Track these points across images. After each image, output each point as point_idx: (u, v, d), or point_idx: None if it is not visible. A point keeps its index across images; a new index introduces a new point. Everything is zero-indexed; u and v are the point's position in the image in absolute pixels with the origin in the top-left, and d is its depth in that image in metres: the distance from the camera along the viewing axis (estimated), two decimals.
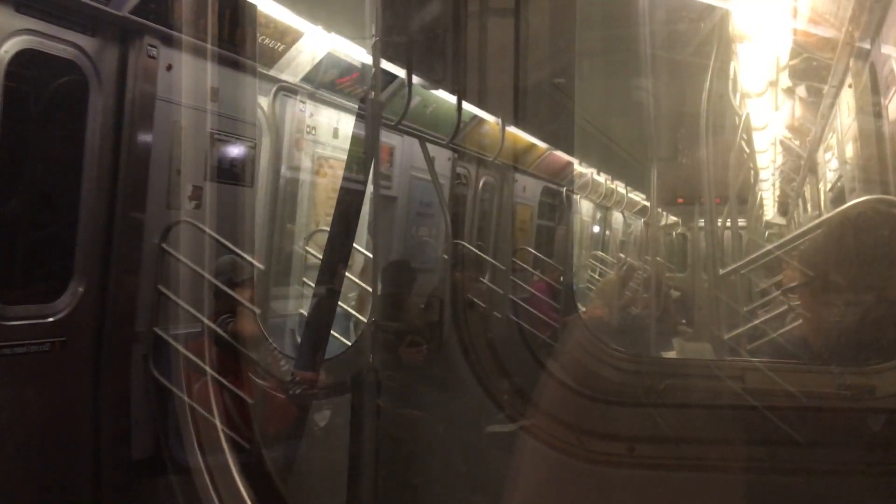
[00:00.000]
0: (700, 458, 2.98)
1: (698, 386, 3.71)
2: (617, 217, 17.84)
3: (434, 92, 7.70)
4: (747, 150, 9.73)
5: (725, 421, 3.08)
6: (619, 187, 16.34)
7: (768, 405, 3.15)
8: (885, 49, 5.30)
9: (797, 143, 10.45)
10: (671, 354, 7.57)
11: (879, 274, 3.20)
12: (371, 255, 7.29)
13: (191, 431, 5.40)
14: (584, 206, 15.78)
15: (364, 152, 7.31)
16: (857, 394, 3.06)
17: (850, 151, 6.83)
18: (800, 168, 10.84)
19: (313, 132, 8.37)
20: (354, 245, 8.07)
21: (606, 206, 16.67)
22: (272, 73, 7.49)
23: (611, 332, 9.93)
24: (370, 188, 5.90)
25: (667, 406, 3.28)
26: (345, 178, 7.83)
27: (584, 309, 12.28)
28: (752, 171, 11.28)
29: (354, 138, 8.01)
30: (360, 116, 7.67)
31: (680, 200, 14.45)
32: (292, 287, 8.33)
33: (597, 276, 15.02)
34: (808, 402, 3.12)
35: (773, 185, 12.96)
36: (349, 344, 7.70)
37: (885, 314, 3.13)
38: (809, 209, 10.31)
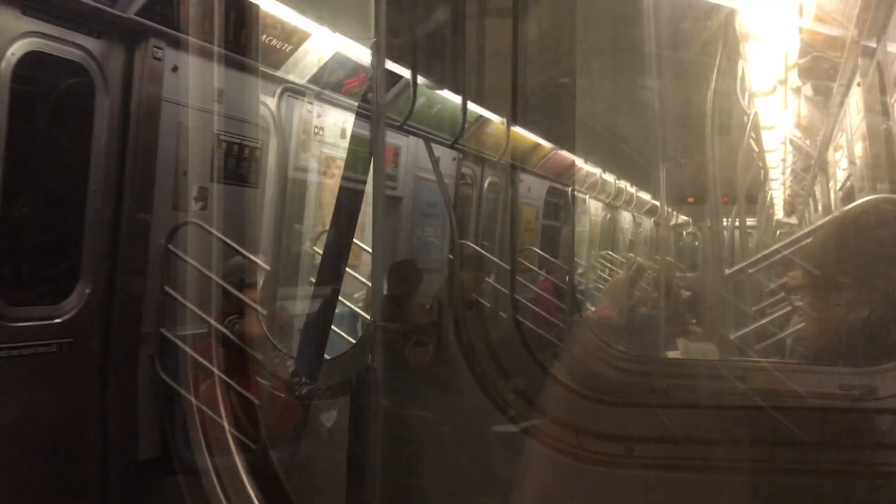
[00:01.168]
0: (701, 459, 2.97)
1: (699, 386, 3.70)
2: (626, 217, 17.81)
3: (439, 92, 7.70)
4: (756, 149, 9.70)
5: (726, 421, 3.07)
6: (628, 187, 16.31)
7: (769, 405, 3.14)
8: (892, 47, 5.27)
9: (807, 142, 10.41)
10: (676, 355, 7.53)
11: (881, 273, 3.18)
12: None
13: (198, 432, 5.40)
14: (593, 206, 15.75)
15: (367, 152, 7.32)
16: (858, 394, 3.05)
17: (859, 150, 6.80)
18: (810, 167, 10.81)
19: (321, 133, 8.37)
20: (362, 245, 8.07)
21: (616, 205, 16.64)
22: (279, 74, 7.48)
23: (620, 333, 9.92)
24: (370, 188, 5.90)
25: (668, 406, 3.28)
26: (344, 178, 7.85)
27: (593, 308, 12.28)
28: (761, 171, 11.25)
29: (355, 138, 8.02)
30: (364, 117, 7.68)
31: (690, 200, 14.42)
32: (300, 287, 8.33)
33: (606, 276, 14.99)
34: (810, 402, 3.11)
35: (784, 184, 12.91)
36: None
37: (887, 314, 3.11)
38: (820, 209, 10.26)
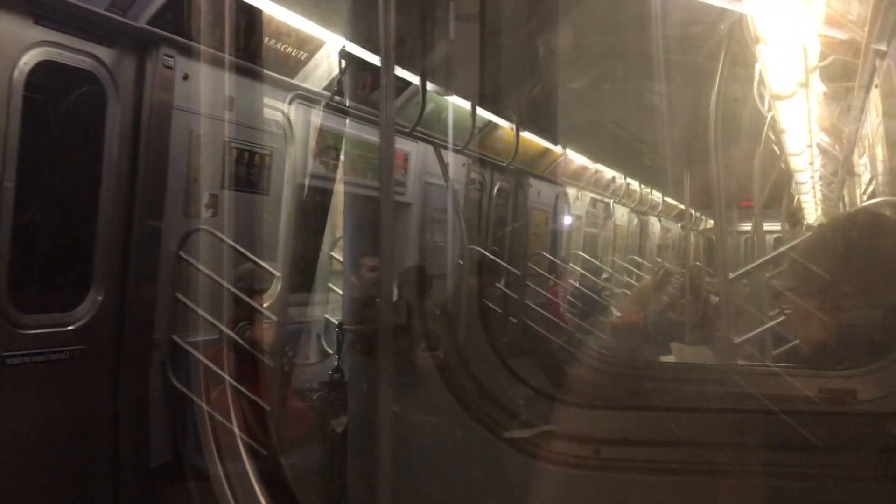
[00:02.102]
0: (679, 462, 2.96)
1: (681, 390, 3.69)
2: (653, 222, 17.71)
3: (448, 98, 7.69)
4: (779, 152, 9.62)
5: (706, 424, 3.05)
6: (653, 192, 16.24)
7: (750, 408, 3.13)
8: None
9: (836, 146, 10.32)
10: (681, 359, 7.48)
11: (868, 278, 3.16)
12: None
13: (209, 438, 5.43)
14: (616, 211, 15.69)
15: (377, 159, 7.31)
16: (838, 397, 3.02)
17: (879, 153, 6.73)
18: (836, 171, 10.71)
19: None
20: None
21: (640, 210, 16.57)
22: (295, 81, 7.50)
23: (646, 337, 9.90)
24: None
25: (647, 409, 3.27)
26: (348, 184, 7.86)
27: (618, 313, 12.25)
28: (787, 175, 11.16)
29: (358, 143, 8.02)
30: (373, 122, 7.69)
31: None
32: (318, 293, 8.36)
33: (633, 281, 14.92)
34: (790, 405, 3.09)
35: (814, 188, 12.81)
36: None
37: (870, 317, 3.09)
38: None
